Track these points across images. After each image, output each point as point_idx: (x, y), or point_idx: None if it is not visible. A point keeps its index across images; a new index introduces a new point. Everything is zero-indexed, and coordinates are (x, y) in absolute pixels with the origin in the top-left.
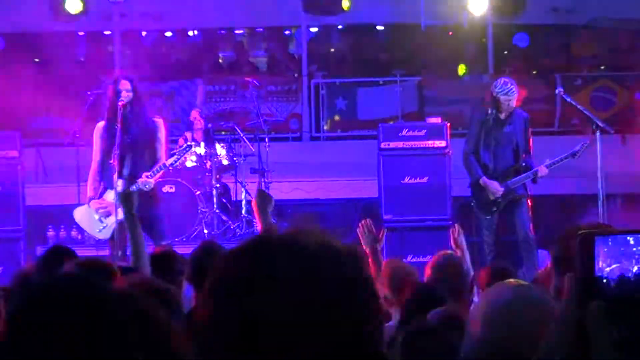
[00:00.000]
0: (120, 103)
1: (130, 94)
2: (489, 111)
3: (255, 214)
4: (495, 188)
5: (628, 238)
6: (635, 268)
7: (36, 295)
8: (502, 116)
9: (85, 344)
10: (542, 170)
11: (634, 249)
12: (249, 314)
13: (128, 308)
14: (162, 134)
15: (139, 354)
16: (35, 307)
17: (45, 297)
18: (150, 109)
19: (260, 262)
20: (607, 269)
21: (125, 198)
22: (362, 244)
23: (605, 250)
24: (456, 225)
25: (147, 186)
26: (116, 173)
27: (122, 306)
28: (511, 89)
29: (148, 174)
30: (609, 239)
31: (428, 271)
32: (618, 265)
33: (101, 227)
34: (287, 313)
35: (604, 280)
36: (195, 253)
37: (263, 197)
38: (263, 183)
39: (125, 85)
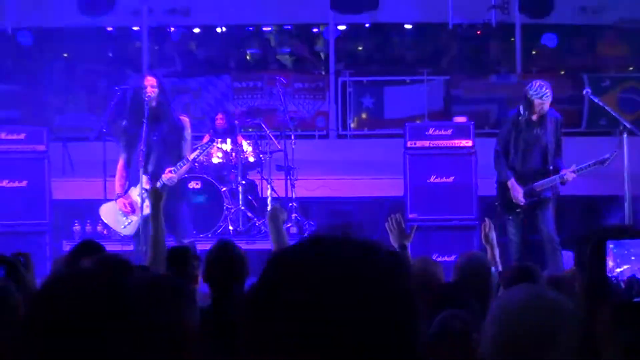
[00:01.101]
0: (145, 99)
1: (156, 90)
2: (521, 111)
3: (268, 226)
4: (517, 196)
5: None
6: None
7: (43, 293)
8: (534, 118)
9: (87, 339)
10: (569, 175)
11: None
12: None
13: (134, 306)
14: (188, 132)
15: (140, 351)
16: (41, 304)
17: (51, 294)
18: (176, 107)
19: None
20: (618, 270)
21: (154, 194)
22: (391, 240)
23: (616, 251)
24: (487, 220)
25: (170, 182)
26: (141, 169)
27: (127, 304)
28: (546, 93)
29: (171, 169)
30: (621, 242)
31: (453, 272)
32: (629, 266)
33: (126, 224)
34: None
35: (614, 281)
36: (211, 252)
37: (276, 210)
38: (289, 180)
39: (150, 81)
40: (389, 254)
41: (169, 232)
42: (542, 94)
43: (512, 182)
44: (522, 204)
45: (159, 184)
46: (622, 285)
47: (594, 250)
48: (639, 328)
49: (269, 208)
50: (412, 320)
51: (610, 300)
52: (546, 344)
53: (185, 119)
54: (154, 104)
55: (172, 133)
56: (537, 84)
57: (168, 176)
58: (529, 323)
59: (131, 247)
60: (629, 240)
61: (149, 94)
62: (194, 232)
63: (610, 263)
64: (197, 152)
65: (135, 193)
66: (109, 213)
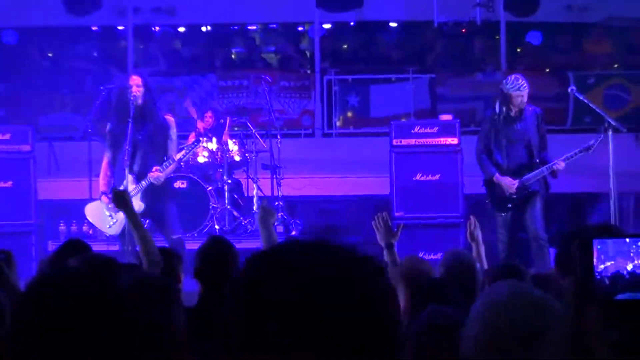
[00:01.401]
0: (131, 98)
1: (142, 89)
2: (497, 109)
3: (258, 227)
4: (508, 183)
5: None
6: (630, 266)
7: (34, 292)
8: (513, 113)
9: (84, 339)
10: (559, 164)
11: (631, 247)
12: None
13: (126, 304)
14: (173, 132)
15: (139, 351)
16: (33, 304)
17: (42, 294)
18: (161, 106)
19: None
20: (602, 267)
21: (117, 196)
22: (377, 238)
23: (600, 248)
24: (472, 218)
25: (157, 181)
26: (126, 169)
27: (120, 303)
28: (522, 84)
29: (158, 168)
30: (606, 240)
31: (439, 270)
32: (613, 263)
33: (111, 223)
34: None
35: (598, 277)
36: (204, 248)
37: (266, 211)
38: (275, 179)
39: (135, 80)
40: (369, 256)
41: (157, 231)
42: (519, 86)
43: (497, 177)
44: (514, 189)
45: (145, 183)
46: (607, 282)
47: (581, 250)
48: (625, 326)
49: (255, 207)
50: (398, 319)
51: (596, 298)
52: (534, 343)
53: (170, 119)
54: (139, 103)
55: (158, 132)
56: (513, 77)
57: (155, 175)
58: (515, 320)
59: (117, 247)
60: (614, 239)
61: (135, 93)
62: (181, 231)
63: (594, 260)
64: (183, 153)
65: None
66: (95, 213)
